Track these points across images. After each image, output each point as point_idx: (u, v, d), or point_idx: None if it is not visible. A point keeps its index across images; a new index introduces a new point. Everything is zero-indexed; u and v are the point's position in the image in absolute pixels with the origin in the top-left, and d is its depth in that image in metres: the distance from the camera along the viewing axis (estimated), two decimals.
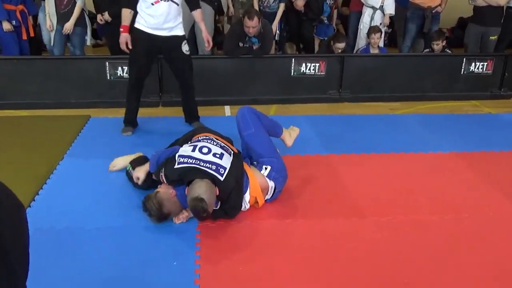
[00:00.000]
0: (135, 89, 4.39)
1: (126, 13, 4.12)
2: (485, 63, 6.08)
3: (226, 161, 2.96)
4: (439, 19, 6.74)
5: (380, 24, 6.39)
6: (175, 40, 4.22)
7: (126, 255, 2.66)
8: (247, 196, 3.00)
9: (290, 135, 3.70)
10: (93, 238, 2.80)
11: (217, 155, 2.96)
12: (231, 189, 2.89)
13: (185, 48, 4.29)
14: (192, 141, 3.17)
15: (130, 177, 3.41)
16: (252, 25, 5.31)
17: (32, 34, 5.97)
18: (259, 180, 3.08)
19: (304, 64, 5.76)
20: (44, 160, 3.80)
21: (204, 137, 3.18)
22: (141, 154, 3.67)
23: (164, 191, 2.90)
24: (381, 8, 6.35)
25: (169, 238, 2.80)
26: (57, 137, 4.19)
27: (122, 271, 2.52)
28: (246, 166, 3.11)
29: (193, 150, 2.97)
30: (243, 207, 3.02)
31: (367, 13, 6.41)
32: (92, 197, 3.29)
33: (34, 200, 3.22)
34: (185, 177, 2.84)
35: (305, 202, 3.27)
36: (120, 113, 4.55)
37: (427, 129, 4.78)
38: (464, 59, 6.06)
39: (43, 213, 3.06)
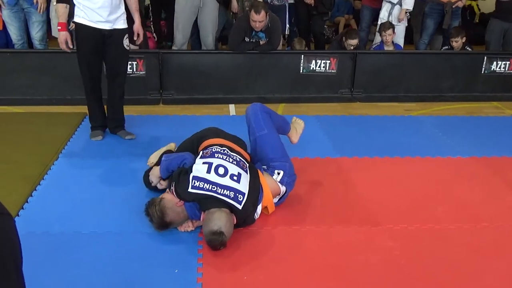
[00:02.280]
0: (94, 92, 4.20)
1: (61, 9, 3.94)
2: (508, 62, 6.10)
3: (244, 184, 2.93)
4: (459, 14, 6.74)
5: (399, 21, 6.39)
6: (118, 34, 4.04)
7: (124, 261, 2.67)
8: (259, 209, 3.01)
9: (296, 131, 3.75)
10: (90, 243, 2.82)
11: (235, 177, 2.92)
12: (248, 214, 2.92)
13: (126, 42, 4.12)
14: (204, 153, 3.08)
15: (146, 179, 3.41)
16: (259, 19, 5.33)
17: (0, 27, 5.92)
18: (272, 187, 3.10)
19: (314, 61, 5.78)
20: (37, 160, 3.82)
21: (218, 149, 3.10)
22: (171, 146, 3.68)
23: (170, 199, 2.88)
24: (400, 2, 6.35)
25: (170, 245, 2.82)
26: (51, 135, 4.21)
27: (120, 279, 2.53)
28: (260, 175, 3.10)
29: (209, 171, 2.90)
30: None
31: (385, 8, 6.42)
32: (88, 199, 3.31)
33: (27, 202, 3.24)
34: (201, 204, 2.83)
35: (315, 208, 3.29)
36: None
37: (444, 132, 4.78)
38: (485, 57, 6.08)
39: (36, 216, 3.08)
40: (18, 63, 5.46)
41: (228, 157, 3.04)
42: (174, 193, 2.89)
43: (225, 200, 2.81)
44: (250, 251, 2.80)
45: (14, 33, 5.68)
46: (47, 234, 2.90)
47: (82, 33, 3.94)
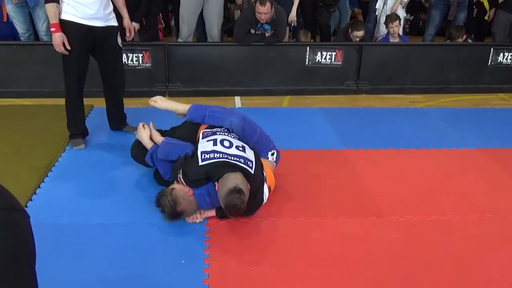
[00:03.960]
0: (79, 95, 3.93)
1: (52, 9, 3.63)
2: None
3: (250, 154, 3.00)
4: (466, 6, 6.71)
5: (392, 11, 6.38)
6: (111, 31, 3.86)
7: (132, 252, 2.70)
8: (266, 189, 3.04)
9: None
10: (97, 235, 2.85)
11: (240, 148, 2.99)
12: (260, 183, 2.95)
13: (119, 40, 3.95)
14: (205, 134, 3.14)
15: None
16: (264, 11, 5.32)
17: (5, 19, 5.89)
18: (271, 167, 3.17)
19: (319, 53, 5.77)
20: (45, 151, 3.86)
21: (218, 130, 3.18)
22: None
23: (181, 188, 2.90)
24: None
25: (177, 236, 2.85)
26: (58, 127, 4.22)
27: (127, 269, 2.57)
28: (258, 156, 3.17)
29: (215, 144, 2.96)
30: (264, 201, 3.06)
31: None
32: (96, 190, 3.34)
33: (35, 194, 3.27)
34: (214, 173, 2.81)
35: (320, 199, 3.30)
36: (125, 103, 4.56)
37: (450, 123, 4.77)
38: (492, 49, 6.04)
39: (45, 208, 3.11)
40: (25, 55, 5.48)
41: (229, 134, 3.13)
42: (182, 178, 2.90)
43: (238, 164, 2.83)
44: (257, 242, 2.83)
45: (20, 26, 5.70)
46: (56, 225, 2.92)
47: (71, 31, 3.68)
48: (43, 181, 3.44)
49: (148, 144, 3.29)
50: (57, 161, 3.75)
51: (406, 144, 4.20)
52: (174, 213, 2.86)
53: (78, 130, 4.04)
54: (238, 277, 2.53)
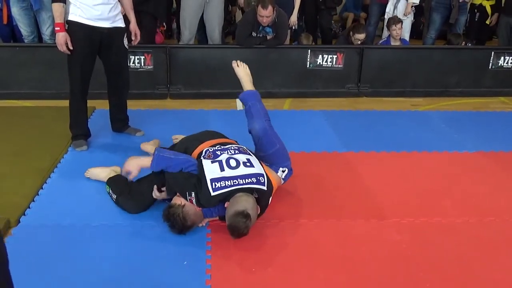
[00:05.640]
0: (83, 96, 3.94)
1: (59, 9, 3.65)
2: None
3: (258, 166, 2.96)
4: (467, 9, 6.73)
5: (405, 15, 6.39)
6: (118, 33, 3.86)
7: (134, 253, 2.71)
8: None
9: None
10: (99, 236, 2.85)
11: (247, 164, 2.94)
12: (269, 195, 2.94)
13: (125, 42, 3.96)
14: (206, 157, 2.99)
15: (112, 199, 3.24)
16: (266, 14, 5.33)
17: (5, 21, 5.86)
18: (277, 181, 3.11)
19: (320, 56, 5.78)
20: (47, 153, 3.86)
21: (213, 148, 3.06)
22: (117, 169, 3.50)
23: (190, 204, 2.83)
24: None
25: (179, 237, 2.84)
26: (60, 129, 4.22)
27: (129, 270, 2.57)
28: (262, 164, 3.10)
29: (222, 169, 2.87)
30: None
31: (390, 2, 6.43)
32: (98, 192, 3.33)
33: (38, 195, 3.28)
34: (228, 198, 2.79)
35: (322, 201, 3.30)
36: (127, 105, 4.57)
37: (451, 127, 4.78)
38: (493, 52, 6.05)
39: (47, 209, 3.12)
40: (27, 57, 5.49)
41: (228, 150, 3.04)
42: (194, 201, 2.82)
43: (250, 187, 2.82)
44: (258, 243, 2.82)
45: (24, 29, 5.70)
46: (58, 226, 2.93)
47: (77, 32, 3.69)
48: (46, 182, 3.44)
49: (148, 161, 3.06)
50: (60, 162, 3.75)
51: (408, 147, 4.20)
52: (184, 228, 2.82)
53: (80, 131, 4.05)
54: (241, 279, 2.53)
